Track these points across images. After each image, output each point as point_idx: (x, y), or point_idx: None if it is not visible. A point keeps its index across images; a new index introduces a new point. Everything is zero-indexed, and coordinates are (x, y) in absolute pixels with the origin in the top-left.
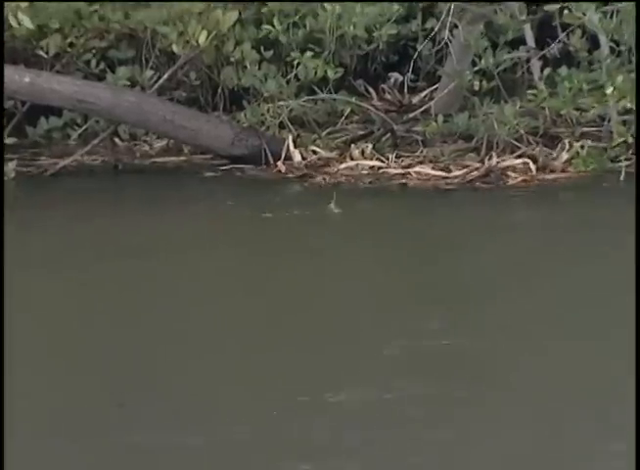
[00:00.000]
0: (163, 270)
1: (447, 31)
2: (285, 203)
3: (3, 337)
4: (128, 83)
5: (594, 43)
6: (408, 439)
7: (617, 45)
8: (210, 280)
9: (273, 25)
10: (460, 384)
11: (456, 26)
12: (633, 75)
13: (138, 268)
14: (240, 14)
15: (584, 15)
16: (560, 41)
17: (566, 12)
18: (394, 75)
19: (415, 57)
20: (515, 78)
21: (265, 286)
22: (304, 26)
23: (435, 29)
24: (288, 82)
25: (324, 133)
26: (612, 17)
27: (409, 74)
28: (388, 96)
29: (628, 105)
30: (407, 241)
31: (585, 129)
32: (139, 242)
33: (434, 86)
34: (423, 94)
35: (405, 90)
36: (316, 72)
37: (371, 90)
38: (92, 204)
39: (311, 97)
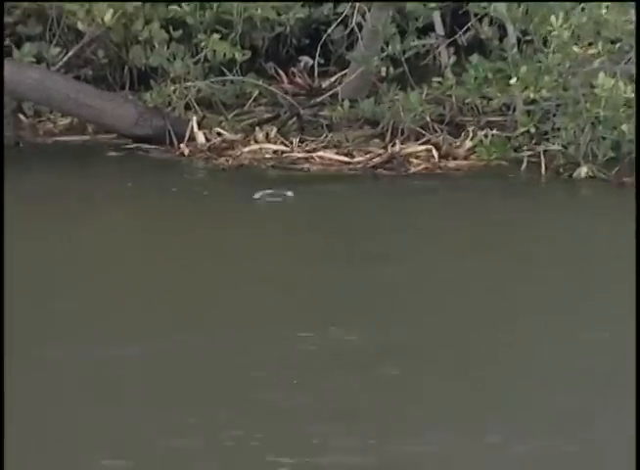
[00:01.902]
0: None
1: (357, 16)
2: (184, 183)
3: (3, 336)
4: (34, 60)
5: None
6: None
7: (524, 35)
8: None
9: (180, 6)
10: None
11: (368, 11)
12: (538, 65)
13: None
14: None
15: (491, 2)
16: (469, 29)
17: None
18: (304, 59)
19: (325, 41)
20: (425, 65)
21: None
22: (211, 8)
23: (344, 13)
24: (197, 63)
25: (231, 115)
26: (519, 6)
27: (319, 58)
28: (298, 80)
29: (532, 95)
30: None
31: (491, 118)
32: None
33: (345, 71)
34: (333, 79)
35: (315, 74)
36: (225, 55)
37: (281, 73)
38: None
39: (218, 78)
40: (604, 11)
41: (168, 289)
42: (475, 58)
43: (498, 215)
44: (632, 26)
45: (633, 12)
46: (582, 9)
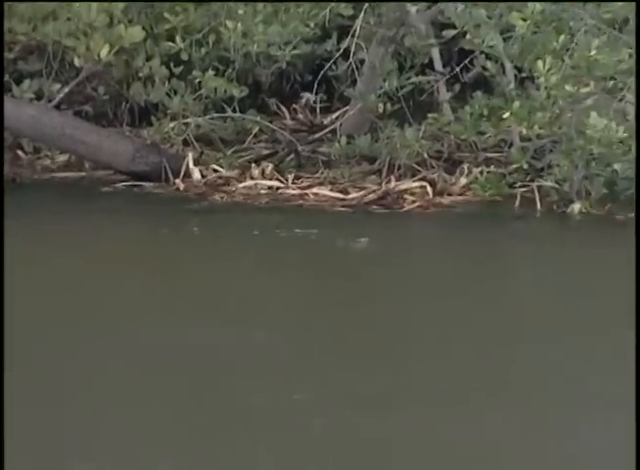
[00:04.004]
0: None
1: (352, 53)
2: (174, 220)
3: (3, 334)
4: (33, 96)
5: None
6: None
7: (520, 71)
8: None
9: (175, 42)
10: None
11: (367, 48)
12: (530, 102)
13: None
14: (152, 29)
15: (483, 42)
16: (464, 65)
17: (468, 36)
18: (306, 95)
19: (329, 77)
20: (425, 102)
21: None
22: (208, 44)
23: (341, 50)
24: (199, 99)
25: (230, 151)
26: (513, 44)
27: (322, 95)
28: (299, 116)
29: (524, 131)
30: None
31: (489, 154)
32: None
33: (346, 107)
34: (334, 115)
35: (317, 110)
36: (225, 91)
37: (283, 109)
38: None
39: (217, 115)
40: (594, 51)
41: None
42: (478, 95)
43: (489, 250)
44: (625, 66)
45: (625, 51)
46: (572, 50)
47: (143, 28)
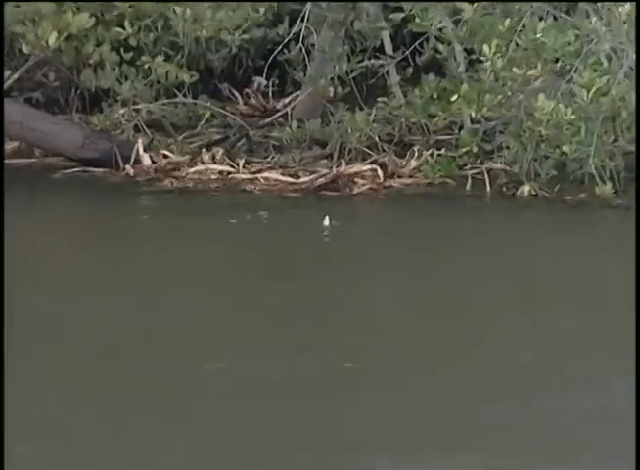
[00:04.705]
0: None
1: (303, 37)
2: (123, 206)
3: (3, 335)
4: None
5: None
6: None
7: (469, 54)
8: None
9: (124, 28)
10: None
11: (317, 32)
12: (480, 85)
13: None
14: (102, 15)
15: (431, 25)
16: (419, 49)
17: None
18: (258, 80)
19: (282, 61)
20: (378, 86)
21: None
22: (156, 29)
23: (291, 34)
24: (148, 85)
25: (181, 137)
26: (462, 26)
27: (275, 79)
28: (252, 100)
29: (473, 114)
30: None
31: (441, 137)
32: None
33: (299, 92)
34: (287, 99)
35: (270, 95)
36: (177, 76)
37: (236, 94)
38: None
39: (168, 100)
40: (540, 34)
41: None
42: (428, 77)
43: (437, 232)
44: (572, 48)
45: (572, 33)
46: (519, 32)
47: (93, 15)
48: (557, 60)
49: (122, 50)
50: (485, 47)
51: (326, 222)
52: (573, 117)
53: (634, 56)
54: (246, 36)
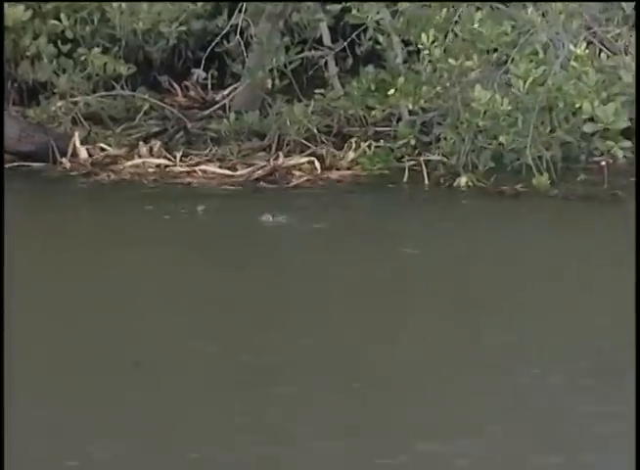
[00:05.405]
0: None
1: (240, 29)
2: (59, 199)
3: (3, 329)
4: None
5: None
6: None
7: (406, 45)
8: None
9: (60, 20)
10: None
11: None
12: (417, 77)
13: None
14: (39, 7)
15: (367, 17)
16: (354, 40)
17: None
18: (197, 72)
19: (218, 53)
20: (317, 78)
21: None
22: (93, 22)
23: (229, 26)
24: (87, 78)
25: (119, 130)
26: (399, 17)
27: (215, 71)
28: (191, 93)
29: (410, 106)
30: None
31: (379, 129)
32: None
33: (238, 84)
34: (226, 91)
35: (209, 87)
36: (114, 68)
37: (175, 86)
38: None
39: (105, 93)
40: (476, 24)
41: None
42: (367, 69)
43: (374, 225)
44: (508, 38)
45: (508, 23)
46: (456, 22)
47: (29, 7)
48: (494, 51)
49: (60, 42)
50: (423, 36)
51: (266, 217)
52: (510, 107)
53: (570, 46)
54: (184, 28)
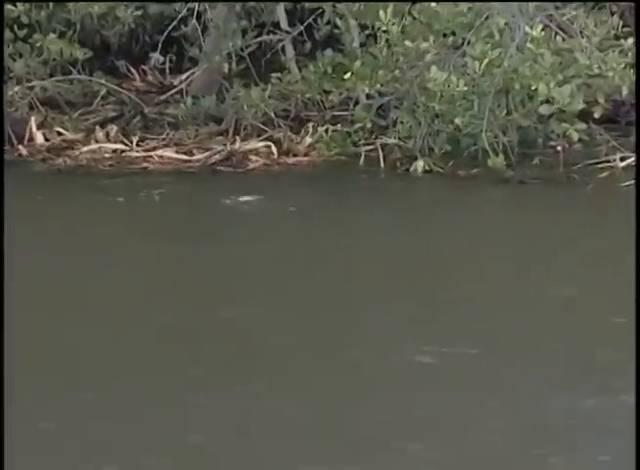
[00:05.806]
0: None
1: (196, 13)
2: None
3: (3, 325)
4: None
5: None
6: None
7: (363, 29)
8: None
9: (15, 5)
10: None
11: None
12: (373, 60)
13: None
14: None
15: None
16: (308, 24)
17: None
18: (154, 56)
19: (176, 37)
20: (275, 62)
21: None
22: (47, 7)
23: (186, 9)
24: (45, 62)
25: (76, 114)
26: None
27: (173, 55)
28: (149, 77)
29: (366, 89)
30: None
31: (336, 113)
32: None
33: (195, 68)
34: (184, 76)
35: (167, 71)
36: (70, 53)
37: (133, 70)
38: None
39: (62, 78)
40: (434, 4)
41: None
42: (324, 53)
43: (331, 209)
44: (465, 19)
45: (465, 5)
46: (413, 2)
47: None
48: (452, 34)
49: (16, 27)
50: (381, 13)
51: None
52: (466, 88)
53: (526, 29)
54: (140, 12)
